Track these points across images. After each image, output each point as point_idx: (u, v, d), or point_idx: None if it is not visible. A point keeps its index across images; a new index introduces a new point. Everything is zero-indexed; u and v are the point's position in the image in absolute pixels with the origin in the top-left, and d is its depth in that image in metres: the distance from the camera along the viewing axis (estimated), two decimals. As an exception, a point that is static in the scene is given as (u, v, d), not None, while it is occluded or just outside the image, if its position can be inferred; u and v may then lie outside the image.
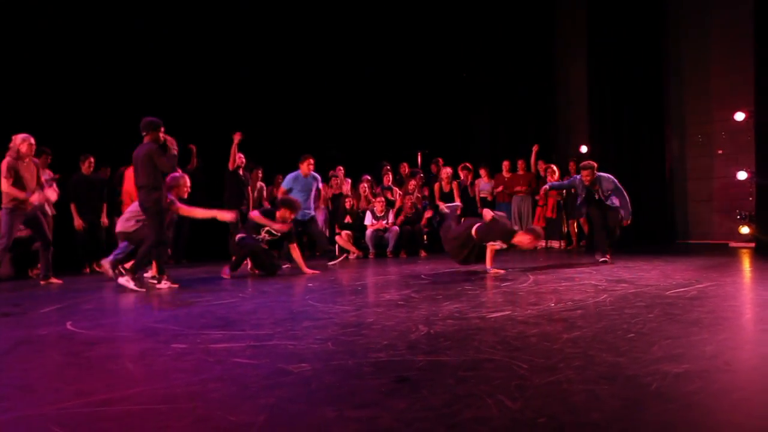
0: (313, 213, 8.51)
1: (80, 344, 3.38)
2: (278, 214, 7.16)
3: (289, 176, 8.35)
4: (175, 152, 6.01)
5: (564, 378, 2.42)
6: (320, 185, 8.76)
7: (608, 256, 7.63)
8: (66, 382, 2.61)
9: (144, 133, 5.94)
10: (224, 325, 3.97)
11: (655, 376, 2.39)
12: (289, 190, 8.14)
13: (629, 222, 7.79)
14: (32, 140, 6.52)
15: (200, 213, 6.54)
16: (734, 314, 3.90)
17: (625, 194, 7.72)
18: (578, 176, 7.97)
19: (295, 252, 7.33)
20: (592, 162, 7.92)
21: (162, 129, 5.94)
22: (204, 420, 2.08)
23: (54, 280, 6.74)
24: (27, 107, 8.40)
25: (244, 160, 9.22)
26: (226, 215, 6.55)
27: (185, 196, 6.61)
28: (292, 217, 7.26)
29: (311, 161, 8.30)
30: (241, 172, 9.22)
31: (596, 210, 7.78)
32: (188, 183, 6.61)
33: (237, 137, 8.75)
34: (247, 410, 2.15)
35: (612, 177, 7.85)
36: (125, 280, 5.85)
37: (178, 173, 6.73)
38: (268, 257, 7.11)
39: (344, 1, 11.88)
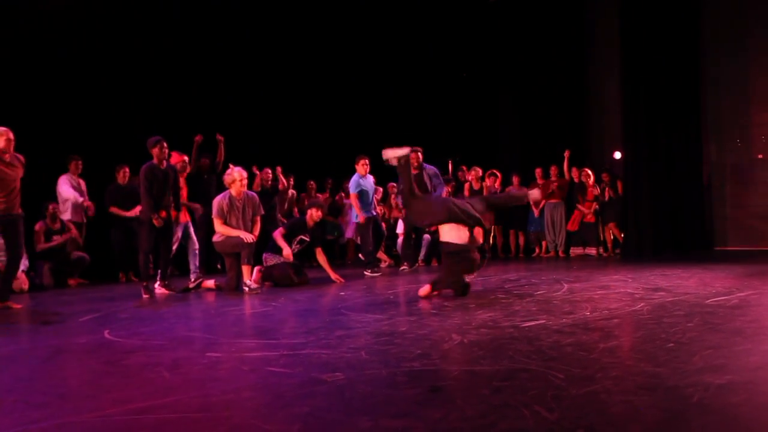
0: (374, 213, 8.39)
1: (118, 353, 3.44)
2: (308, 214, 7.17)
3: (354, 180, 8.15)
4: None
5: (602, 388, 2.37)
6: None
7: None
8: (104, 390, 2.66)
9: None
10: (258, 334, 4.00)
11: (696, 387, 2.33)
12: (360, 193, 8.06)
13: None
14: (11, 135, 5.51)
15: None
16: (778, 323, 3.78)
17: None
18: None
19: (321, 256, 7.28)
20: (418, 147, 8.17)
21: None
22: (239, 429, 2.10)
23: (11, 305, 5.65)
24: (59, 117, 8.59)
25: (270, 174, 9.21)
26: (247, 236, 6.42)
27: (243, 188, 6.60)
28: (321, 216, 7.28)
29: (366, 161, 8.17)
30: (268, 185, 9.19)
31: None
32: (243, 176, 6.59)
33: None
34: (281, 419, 2.16)
35: (435, 168, 8.38)
36: (250, 287, 6.24)
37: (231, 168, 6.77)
38: (296, 272, 7.02)
39: (378, 11, 11.91)
